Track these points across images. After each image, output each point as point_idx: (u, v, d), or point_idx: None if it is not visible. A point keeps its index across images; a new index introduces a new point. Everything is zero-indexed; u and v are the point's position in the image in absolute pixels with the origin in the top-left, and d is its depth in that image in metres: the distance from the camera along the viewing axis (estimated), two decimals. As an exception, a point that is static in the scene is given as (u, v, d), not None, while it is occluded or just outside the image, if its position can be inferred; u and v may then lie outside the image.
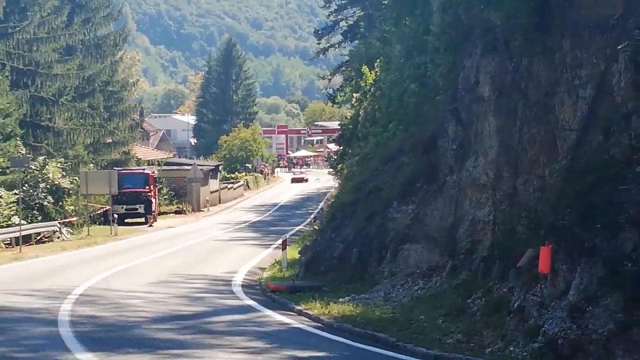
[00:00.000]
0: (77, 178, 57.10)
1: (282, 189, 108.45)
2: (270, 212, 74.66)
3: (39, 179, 50.74)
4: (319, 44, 69.27)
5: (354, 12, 57.74)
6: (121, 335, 18.87)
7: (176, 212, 74.03)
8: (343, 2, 61.31)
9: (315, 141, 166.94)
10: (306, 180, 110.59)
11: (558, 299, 16.79)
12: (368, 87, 43.73)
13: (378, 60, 42.21)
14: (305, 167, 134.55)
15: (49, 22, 59.12)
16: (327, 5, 64.21)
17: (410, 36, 33.76)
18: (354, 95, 47.42)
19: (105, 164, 64.37)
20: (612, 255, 15.86)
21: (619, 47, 17.47)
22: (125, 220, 60.22)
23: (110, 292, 27.47)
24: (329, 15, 65.66)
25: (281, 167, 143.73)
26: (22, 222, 44.31)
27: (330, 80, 69.19)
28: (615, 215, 16.12)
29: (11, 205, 44.56)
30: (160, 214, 67.64)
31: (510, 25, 22.34)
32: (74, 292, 25.94)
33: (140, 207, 62.31)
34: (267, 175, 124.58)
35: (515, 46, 22.44)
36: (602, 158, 17.47)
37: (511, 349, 17.16)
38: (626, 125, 17.13)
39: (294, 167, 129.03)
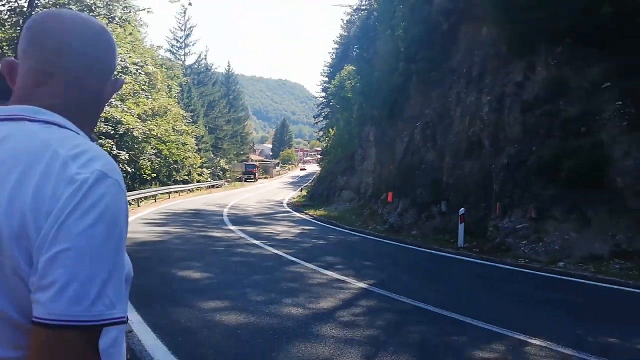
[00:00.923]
0: (230, 165, 56.84)
1: (300, 172, 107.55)
2: (296, 179, 73.83)
3: (217, 165, 50.39)
4: (314, 119, 68.32)
5: (328, 109, 56.12)
6: (244, 220, 18.79)
7: (264, 178, 73.86)
8: (323, 106, 59.78)
9: (313, 154, 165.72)
10: (305, 170, 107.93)
11: (394, 210, 17.31)
12: (331, 137, 43.36)
13: (334, 127, 41.81)
14: (308, 163, 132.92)
15: (221, 110, 58.11)
16: (319, 106, 62.68)
17: (345, 119, 33.69)
18: (327, 138, 46.88)
19: (240, 160, 64.23)
20: (414, 197, 16.43)
21: (417, 124, 17.42)
22: (246, 180, 59.73)
23: (241, 205, 27.28)
24: (318, 109, 64.16)
25: (302, 162, 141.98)
26: (210, 180, 44.02)
27: (319, 133, 68.63)
28: (416, 182, 16.10)
29: (207, 174, 44.26)
30: (259, 179, 67.36)
31: (380, 115, 22.36)
32: (228, 206, 25.69)
33: (252, 176, 62.56)
34: (296, 166, 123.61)
35: (381, 123, 22.41)
36: (410, 163, 17.46)
37: (377, 227, 17.18)
38: (419, 153, 17.21)
39: (304, 164, 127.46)
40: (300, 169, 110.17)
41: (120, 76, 22.33)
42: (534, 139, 12.11)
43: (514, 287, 8.23)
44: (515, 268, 9.83)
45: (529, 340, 5.03)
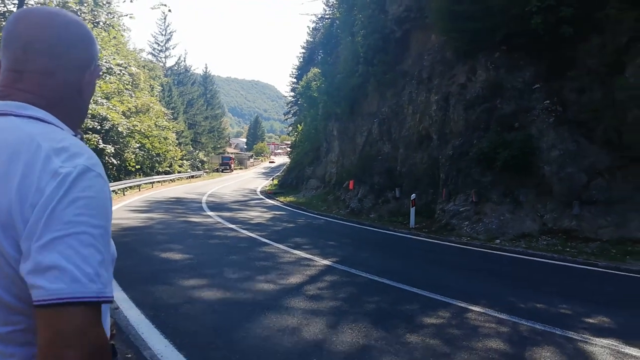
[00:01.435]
0: (208, 157, 55.09)
1: (270, 164, 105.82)
2: (269, 169, 73.02)
3: (196, 157, 48.74)
4: (285, 116, 67.24)
5: (296, 107, 55.29)
6: (221, 207, 18.18)
7: (240, 169, 72.20)
8: (292, 104, 58.79)
9: (283, 147, 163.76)
10: (274, 162, 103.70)
11: (355, 196, 16.99)
12: (299, 131, 42.86)
13: (302, 123, 41.39)
14: (279, 156, 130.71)
15: (199, 108, 55.86)
16: (289, 105, 61.42)
17: (312, 115, 33.15)
18: (296, 133, 46.41)
19: (217, 153, 62.28)
20: (372, 184, 16.37)
21: (374, 120, 17.50)
22: (223, 170, 58.15)
23: (218, 193, 26.46)
24: (288, 106, 62.92)
25: (273, 155, 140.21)
26: (190, 171, 42.68)
27: (288, 128, 67.46)
28: (374, 171, 16.20)
29: (187, 165, 42.94)
30: (234, 169, 65.85)
31: (342, 112, 22.16)
32: (207, 194, 24.94)
33: (228, 167, 60.23)
34: (268, 158, 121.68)
35: (344, 119, 22.23)
36: (369, 154, 17.54)
37: (340, 211, 16.83)
38: (376, 146, 17.29)
39: (274, 156, 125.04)
40: (270, 162, 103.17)
41: (105, 76, 21.63)
42: (475, 132, 12.44)
43: (457, 261, 8.37)
44: (459, 245, 10.04)
45: (470, 307, 5.15)
